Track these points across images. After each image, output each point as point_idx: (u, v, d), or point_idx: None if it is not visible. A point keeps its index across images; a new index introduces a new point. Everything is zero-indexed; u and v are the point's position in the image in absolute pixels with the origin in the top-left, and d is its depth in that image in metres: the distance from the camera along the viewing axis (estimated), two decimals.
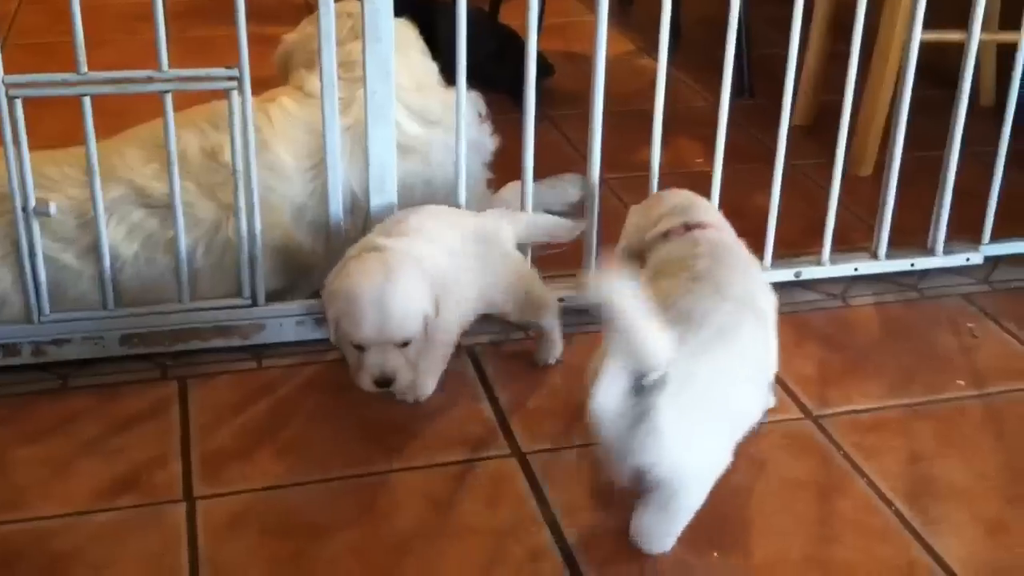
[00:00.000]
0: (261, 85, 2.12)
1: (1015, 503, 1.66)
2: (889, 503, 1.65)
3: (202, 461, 1.72)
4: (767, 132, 2.11)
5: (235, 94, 1.83)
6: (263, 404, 1.86)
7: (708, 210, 1.87)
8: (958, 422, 1.84)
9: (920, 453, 1.76)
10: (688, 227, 1.77)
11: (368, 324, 1.66)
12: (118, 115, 2.06)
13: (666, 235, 1.77)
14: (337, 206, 1.95)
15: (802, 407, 1.87)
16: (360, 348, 1.69)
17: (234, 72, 1.82)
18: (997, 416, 1.85)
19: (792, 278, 2.20)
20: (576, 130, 2.13)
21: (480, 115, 2.26)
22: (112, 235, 1.89)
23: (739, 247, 1.80)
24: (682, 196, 1.89)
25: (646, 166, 2.10)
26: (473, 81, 2.05)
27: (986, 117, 2.58)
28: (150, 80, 1.79)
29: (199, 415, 1.82)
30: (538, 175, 2.39)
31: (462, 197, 2.00)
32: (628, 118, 2.25)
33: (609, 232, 2.05)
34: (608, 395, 1.34)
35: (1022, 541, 1.59)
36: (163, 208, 1.91)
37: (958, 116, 2.15)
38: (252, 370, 1.95)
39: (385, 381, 1.69)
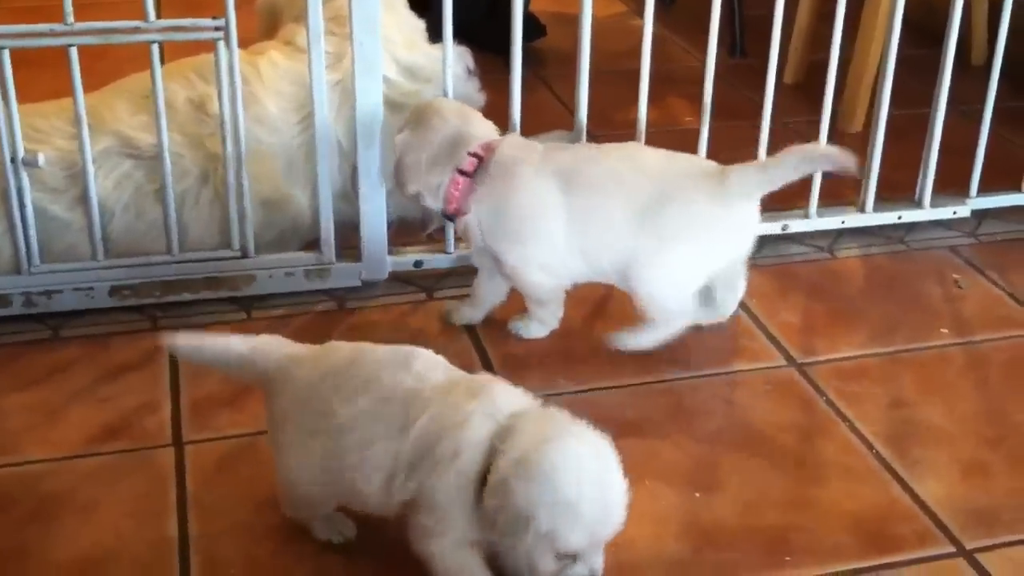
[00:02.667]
0: (249, 41, 2.14)
1: (994, 446, 1.68)
2: (870, 446, 1.67)
3: (191, 408, 1.74)
4: (759, 91, 2.12)
5: (221, 44, 1.84)
6: None
7: (479, 123, 1.86)
8: (940, 369, 1.85)
9: (902, 399, 1.78)
10: (479, 156, 1.80)
11: (601, 525, 1.27)
12: (107, 73, 2.07)
13: (465, 173, 1.79)
14: (325, 159, 1.96)
15: (786, 355, 1.89)
16: (565, 557, 1.27)
17: (221, 23, 1.83)
18: (979, 363, 1.87)
19: (779, 231, 2.22)
20: (567, 89, 2.14)
21: (469, 70, 2.26)
22: (101, 186, 1.91)
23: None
24: (449, 121, 1.82)
25: (634, 123, 2.11)
26: (463, 40, 2.06)
27: (977, 75, 2.58)
28: (136, 31, 1.80)
29: (188, 364, 1.84)
30: (528, 132, 2.41)
31: None
32: (619, 77, 2.26)
33: None
34: None
35: (1000, 482, 1.61)
36: (151, 159, 1.92)
37: (944, 69, 2.16)
38: (242, 321, 1.96)
39: None
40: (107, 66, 2.09)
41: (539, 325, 1.91)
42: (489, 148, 1.81)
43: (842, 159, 1.77)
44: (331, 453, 1.34)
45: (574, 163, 1.81)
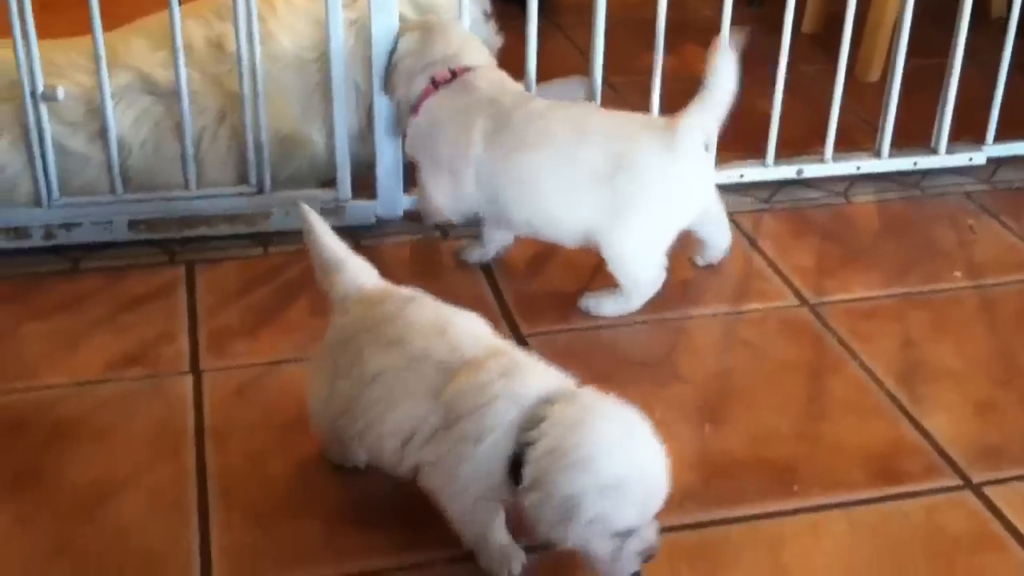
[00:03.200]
0: None
1: (1003, 385, 1.69)
2: (880, 383, 1.68)
3: (208, 338, 1.76)
4: (776, 40, 2.12)
5: None
6: (269, 287, 1.90)
7: (476, 52, 1.90)
8: (952, 311, 1.86)
9: (913, 339, 1.79)
10: (454, 72, 1.84)
11: (648, 500, 1.24)
12: (125, 16, 2.08)
13: (434, 83, 1.84)
14: (340, 97, 1.97)
15: (799, 295, 1.89)
16: (619, 535, 1.24)
17: None
18: (991, 306, 1.87)
19: (794, 176, 2.22)
20: (583, 37, 2.13)
21: (486, 13, 2.26)
22: (119, 122, 1.92)
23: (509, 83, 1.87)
24: (453, 40, 1.89)
25: (651, 70, 2.10)
26: None
27: (996, 28, 2.55)
28: None
29: (206, 297, 1.86)
30: (545, 78, 2.41)
31: None
32: (635, 25, 2.25)
33: None
34: None
35: (1009, 420, 1.62)
36: (169, 96, 1.93)
37: (962, 18, 2.15)
38: (258, 256, 1.98)
39: (653, 554, 1.27)
40: (125, 10, 2.11)
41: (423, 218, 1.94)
42: (465, 70, 1.85)
43: (736, 40, 1.79)
44: (354, 400, 1.34)
45: (513, 113, 1.79)
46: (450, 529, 1.33)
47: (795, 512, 1.45)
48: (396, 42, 1.92)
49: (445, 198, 1.85)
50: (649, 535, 1.24)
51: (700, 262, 1.94)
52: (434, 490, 1.30)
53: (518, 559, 1.32)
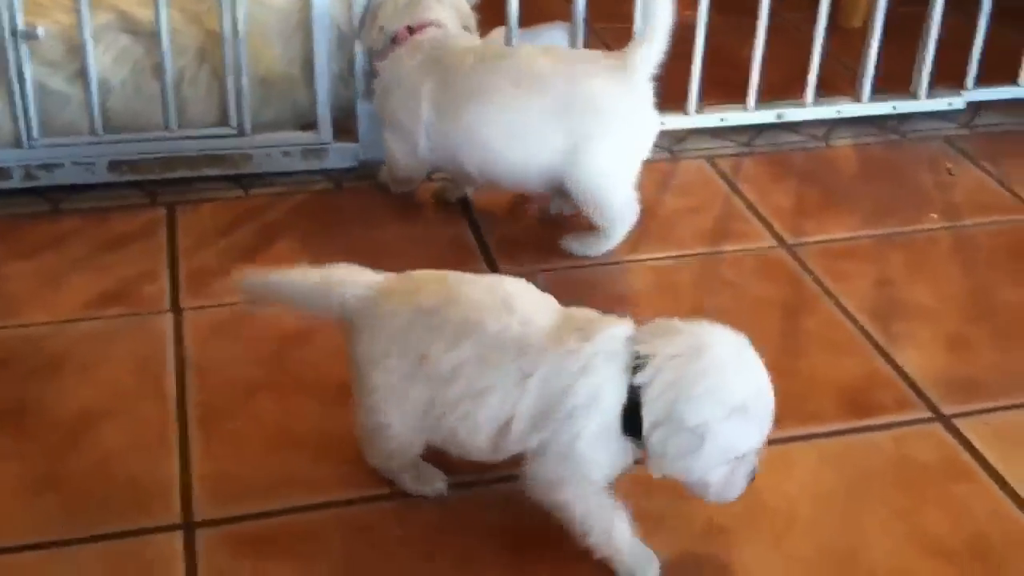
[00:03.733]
0: None
1: (976, 322, 1.71)
2: (854, 320, 1.70)
3: (189, 276, 1.77)
4: None
5: None
6: (249, 229, 1.90)
7: (437, 3, 1.89)
8: (928, 251, 1.88)
9: (889, 278, 1.81)
10: (411, 31, 1.85)
11: (768, 420, 1.24)
12: None
13: (394, 40, 1.86)
14: (322, 39, 1.97)
15: (776, 236, 1.91)
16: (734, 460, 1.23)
17: None
18: (967, 246, 1.89)
19: (775, 119, 2.23)
20: None
21: None
22: (100, 61, 1.92)
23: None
24: None
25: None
26: None
27: None
28: None
29: (187, 237, 1.87)
30: (531, 24, 2.41)
31: None
32: None
33: None
34: None
35: (980, 355, 1.64)
36: (150, 35, 1.93)
37: None
38: (239, 198, 1.99)
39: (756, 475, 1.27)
40: None
41: (389, 181, 1.96)
42: (422, 28, 1.85)
43: None
44: (432, 401, 1.25)
45: (457, 71, 1.79)
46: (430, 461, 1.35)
47: (768, 443, 1.47)
48: None
49: (404, 157, 1.87)
50: (755, 460, 1.23)
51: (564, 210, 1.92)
52: (550, 483, 1.23)
53: (655, 563, 1.27)
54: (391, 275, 1.34)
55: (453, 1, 1.95)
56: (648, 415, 1.17)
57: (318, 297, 1.33)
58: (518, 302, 1.26)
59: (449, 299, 1.26)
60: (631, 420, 1.19)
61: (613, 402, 1.19)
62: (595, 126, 1.73)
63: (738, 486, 1.23)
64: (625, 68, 1.74)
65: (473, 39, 1.93)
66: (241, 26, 1.91)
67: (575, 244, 1.84)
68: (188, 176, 1.99)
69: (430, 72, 1.81)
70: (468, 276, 1.32)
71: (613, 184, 1.78)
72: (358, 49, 1.98)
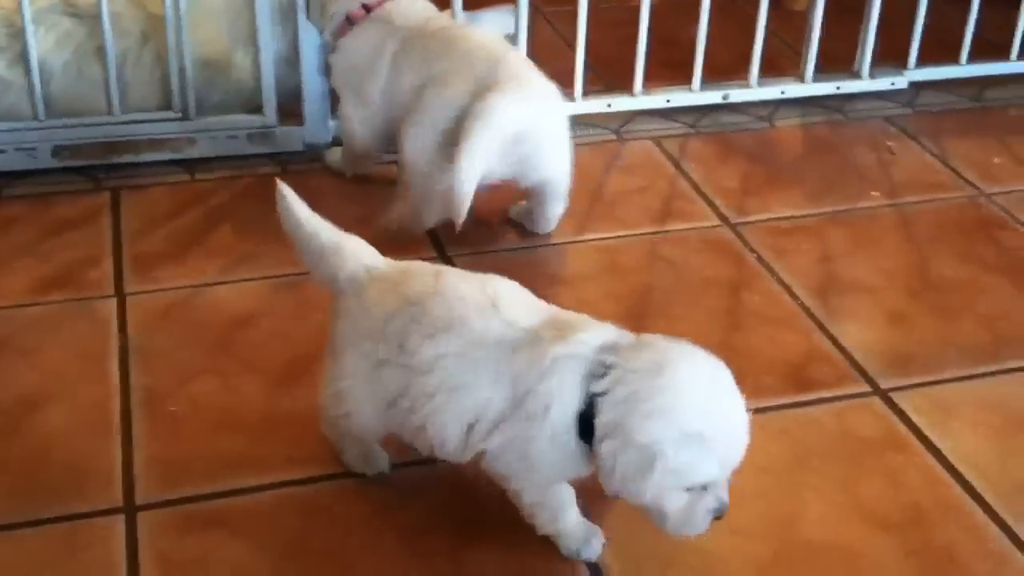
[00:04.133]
0: None
1: (915, 297, 1.74)
2: (796, 297, 1.73)
3: (133, 261, 1.76)
4: None
5: None
6: (195, 212, 1.90)
7: None
8: (869, 228, 1.90)
9: (830, 254, 1.83)
10: (367, 8, 1.85)
11: (731, 451, 1.17)
12: None
13: (349, 21, 1.86)
14: (265, 20, 1.96)
15: (721, 215, 1.93)
16: (693, 489, 1.17)
17: None
18: (906, 223, 1.92)
19: (720, 100, 2.24)
20: None
21: None
22: (41, 45, 1.90)
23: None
24: None
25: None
26: None
27: None
28: None
29: (131, 222, 1.86)
30: (476, 6, 2.41)
31: None
32: None
33: (538, 62, 2.07)
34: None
35: (918, 329, 1.67)
36: (92, 18, 1.91)
37: None
38: (184, 182, 1.98)
39: (724, 512, 1.20)
40: None
41: (342, 159, 1.97)
42: (380, 3, 1.86)
43: None
44: (404, 390, 1.24)
45: (413, 41, 1.81)
46: None
47: None
48: None
49: (360, 124, 1.88)
50: (723, 492, 1.17)
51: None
52: (504, 476, 1.23)
53: (598, 538, 1.28)
54: (390, 262, 1.32)
55: None
56: (600, 425, 1.15)
57: (317, 257, 1.31)
58: (505, 302, 1.24)
59: (436, 292, 1.24)
60: (586, 427, 1.17)
61: (569, 407, 1.17)
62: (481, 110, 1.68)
63: (699, 521, 1.17)
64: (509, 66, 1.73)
65: (432, 8, 1.92)
66: (183, 7, 1.89)
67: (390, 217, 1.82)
68: (133, 161, 1.98)
69: (393, 35, 1.83)
70: (462, 272, 1.31)
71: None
72: (309, 23, 1.97)
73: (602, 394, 1.15)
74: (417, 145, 1.76)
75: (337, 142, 2.04)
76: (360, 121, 1.88)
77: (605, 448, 1.14)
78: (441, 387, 1.21)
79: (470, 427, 1.22)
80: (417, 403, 1.23)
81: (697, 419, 1.12)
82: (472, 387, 1.20)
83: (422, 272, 1.29)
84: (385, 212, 1.83)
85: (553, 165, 1.78)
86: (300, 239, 1.33)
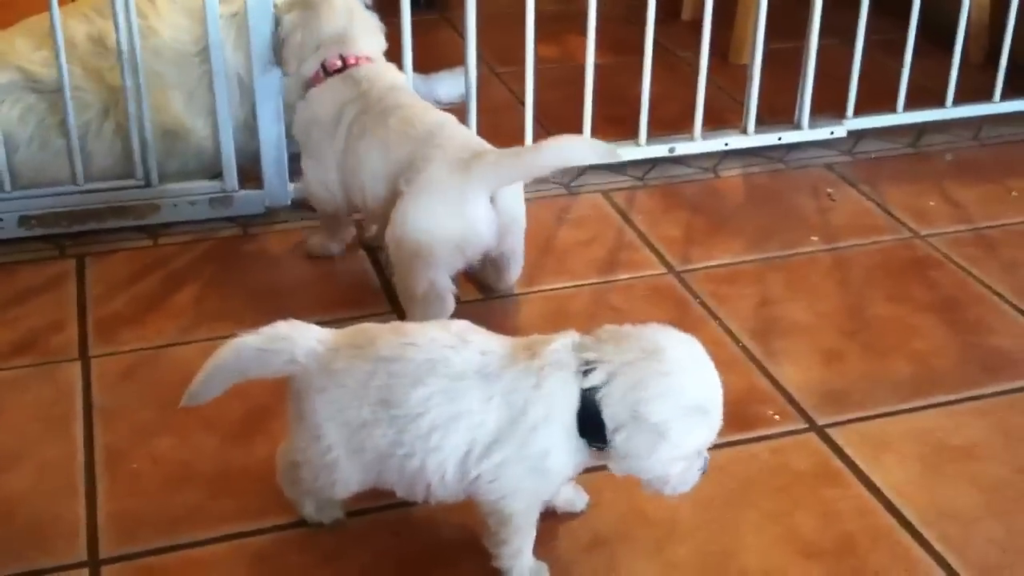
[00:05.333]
0: None
1: (850, 336, 1.81)
2: (736, 340, 1.80)
3: (97, 325, 1.82)
4: (658, 29, 2.23)
5: None
6: (157, 276, 1.96)
7: (367, 34, 1.93)
8: (807, 272, 1.98)
9: (769, 298, 1.91)
10: (345, 62, 1.88)
11: (720, 414, 1.29)
12: (14, 22, 2.14)
13: (325, 70, 1.88)
14: (222, 90, 2.03)
15: (666, 264, 2.00)
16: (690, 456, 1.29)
17: None
18: (843, 266, 2.00)
19: (667, 153, 2.33)
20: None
21: (367, 5, 2.34)
22: (5, 119, 1.97)
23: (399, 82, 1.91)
24: (340, 14, 1.90)
25: (539, 60, 2.21)
26: None
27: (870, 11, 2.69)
28: None
29: (95, 287, 1.92)
30: (433, 69, 2.50)
31: None
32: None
33: (491, 121, 2.16)
34: None
35: (852, 367, 1.74)
36: (53, 92, 1.99)
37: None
38: (148, 247, 2.04)
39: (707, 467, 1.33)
40: (14, 15, 2.16)
41: (322, 241, 1.99)
42: (357, 62, 1.89)
43: (603, 151, 1.75)
44: (397, 441, 1.27)
45: (373, 107, 1.83)
46: None
47: None
48: (279, 16, 1.96)
49: (318, 188, 1.91)
50: (706, 452, 1.30)
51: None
52: (512, 492, 1.27)
53: (545, 571, 1.35)
54: (338, 330, 1.34)
55: (374, 26, 1.98)
56: (611, 419, 1.23)
57: (264, 360, 1.31)
58: (473, 336, 1.31)
59: (407, 343, 1.29)
60: (586, 424, 1.25)
61: (569, 409, 1.25)
62: (411, 193, 1.71)
63: (693, 479, 1.29)
64: (467, 170, 1.69)
65: (399, 76, 1.96)
66: (142, 79, 1.97)
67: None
68: (96, 228, 2.04)
69: (355, 101, 1.85)
70: (417, 324, 1.36)
71: (417, 256, 1.72)
72: (266, 89, 2.02)
73: (597, 389, 1.24)
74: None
75: (301, 207, 2.11)
76: (317, 182, 1.91)
77: (620, 438, 1.23)
78: (435, 425, 1.26)
79: (466, 454, 1.27)
80: (414, 447, 1.27)
81: (696, 393, 1.25)
82: (463, 415, 1.26)
83: (380, 331, 1.33)
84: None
85: (521, 230, 1.84)
86: (240, 372, 1.33)
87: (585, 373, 1.25)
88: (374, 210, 1.83)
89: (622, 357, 1.25)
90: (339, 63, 1.89)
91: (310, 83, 1.91)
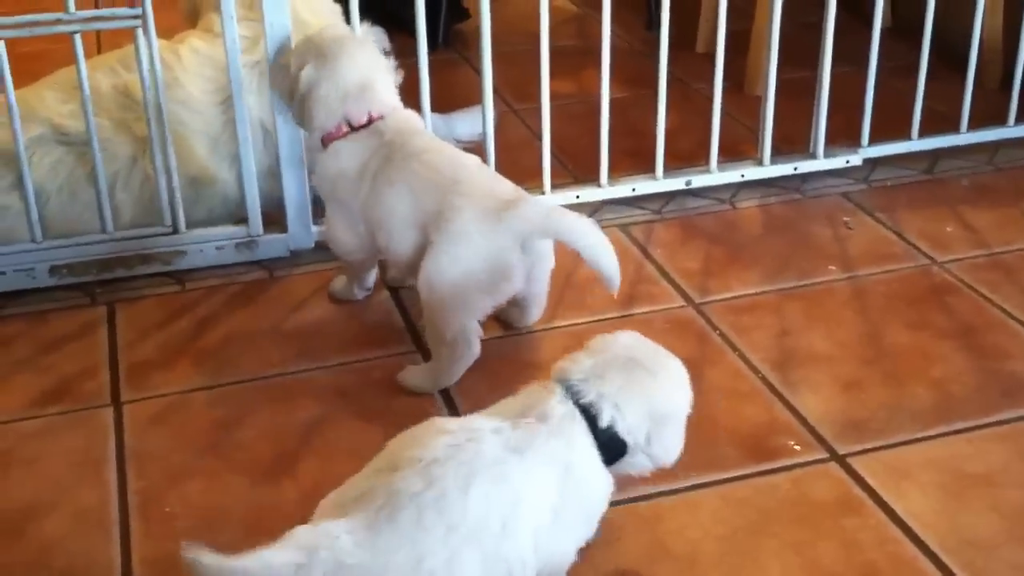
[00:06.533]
0: (174, 32, 2.26)
1: (870, 365, 1.82)
2: (756, 371, 1.82)
3: (128, 371, 1.86)
4: (673, 61, 2.27)
5: (140, 32, 1.96)
6: (185, 321, 2.00)
7: (388, 83, 1.93)
8: (825, 301, 2.00)
9: (788, 329, 1.93)
10: (371, 117, 1.87)
11: None
12: (45, 72, 2.20)
13: (350, 126, 1.86)
14: (246, 138, 2.08)
15: (685, 296, 2.03)
16: None
17: (138, 11, 1.95)
18: (861, 294, 2.02)
19: (683, 186, 2.36)
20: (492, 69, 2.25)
21: (384, 50, 2.38)
22: (36, 171, 2.03)
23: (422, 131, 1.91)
24: (360, 64, 1.89)
25: (555, 96, 2.25)
26: (382, 21, 2.19)
27: (883, 37, 2.71)
28: (58, 22, 1.92)
29: (126, 333, 1.96)
30: (452, 108, 2.54)
31: None
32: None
33: (510, 158, 2.20)
34: None
35: (872, 396, 1.76)
36: (82, 144, 2.04)
37: (828, 23, 2.30)
38: (176, 292, 2.08)
39: None
40: (45, 66, 2.23)
41: (346, 286, 2.01)
42: (382, 116, 1.88)
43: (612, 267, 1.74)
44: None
45: (395, 154, 1.82)
46: None
47: (673, 492, 1.57)
48: (295, 72, 1.91)
49: (346, 238, 1.91)
50: None
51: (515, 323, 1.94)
52: (564, 553, 1.33)
53: None
54: (358, 512, 1.22)
55: (391, 71, 1.99)
56: (630, 434, 1.34)
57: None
58: (472, 425, 1.30)
59: (426, 483, 1.22)
60: (612, 454, 1.34)
61: (594, 451, 1.33)
62: (442, 242, 1.72)
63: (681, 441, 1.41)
64: (502, 215, 1.71)
65: (420, 121, 1.96)
66: (167, 130, 2.02)
67: (410, 375, 1.80)
68: (126, 275, 2.09)
69: (378, 152, 1.84)
70: (407, 458, 1.26)
71: (447, 303, 1.73)
72: (287, 135, 2.06)
73: (592, 406, 1.33)
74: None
75: (324, 249, 2.15)
76: (345, 233, 1.91)
77: (647, 441, 1.35)
78: (502, 516, 1.24)
79: (536, 530, 1.26)
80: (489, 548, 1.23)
81: (675, 371, 1.41)
82: (522, 496, 1.26)
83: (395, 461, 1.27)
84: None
85: (548, 271, 1.88)
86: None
87: (591, 415, 1.33)
88: (401, 257, 1.84)
89: (613, 385, 1.34)
90: (365, 119, 1.87)
91: (331, 135, 1.88)
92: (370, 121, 1.88)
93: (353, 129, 1.88)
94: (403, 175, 1.81)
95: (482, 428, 1.30)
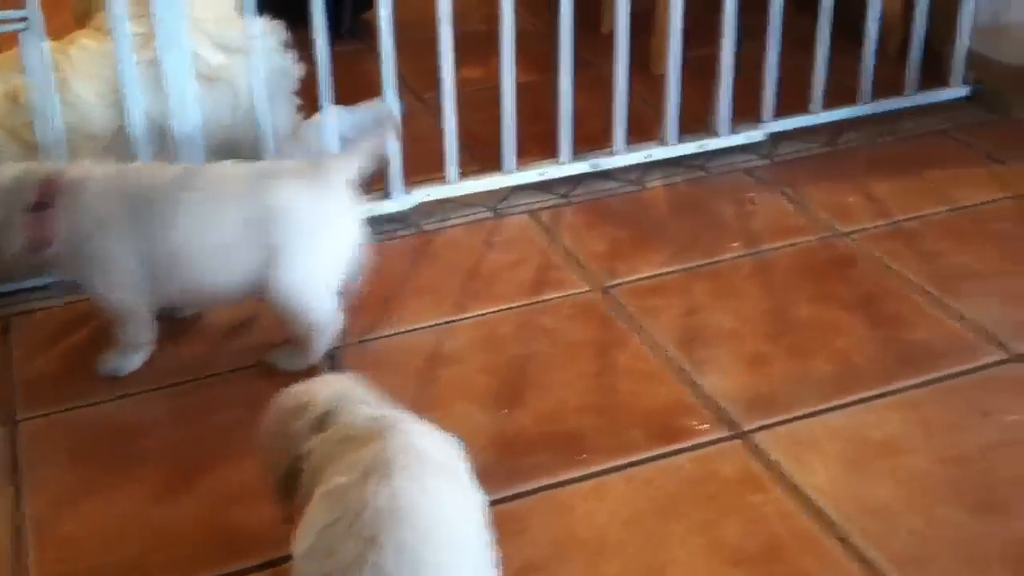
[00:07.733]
0: (63, 34, 2.20)
1: (774, 340, 1.84)
2: (662, 352, 1.82)
3: (23, 388, 1.81)
4: (578, 42, 2.26)
5: (26, 35, 1.90)
6: (80, 334, 1.95)
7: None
8: (730, 278, 2.01)
9: (694, 307, 1.93)
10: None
11: None
12: None
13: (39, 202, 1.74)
14: (140, 139, 2.03)
15: (592, 280, 2.02)
16: None
17: (24, 13, 1.89)
18: (766, 269, 2.03)
19: (590, 169, 2.35)
20: (401, 59, 2.21)
21: (284, 43, 2.34)
22: None
23: None
24: None
25: (465, 83, 2.24)
26: (283, 14, 2.15)
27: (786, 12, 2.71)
28: None
29: (18, 348, 1.91)
30: (356, 100, 2.50)
31: (267, 123, 2.10)
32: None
33: (418, 149, 2.17)
34: None
35: (777, 370, 1.77)
36: None
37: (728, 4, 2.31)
38: (70, 303, 2.03)
39: None
40: None
41: (127, 353, 1.83)
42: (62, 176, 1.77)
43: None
44: None
45: (152, 196, 1.74)
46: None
47: (581, 479, 1.57)
48: None
49: (118, 290, 1.78)
50: None
51: None
52: None
53: None
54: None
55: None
56: None
57: None
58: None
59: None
60: None
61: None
62: (287, 237, 1.70)
63: None
64: (323, 172, 1.73)
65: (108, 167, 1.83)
66: (59, 135, 1.97)
67: (280, 358, 1.80)
68: (15, 288, 2.03)
69: (117, 201, 1.74)
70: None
71: (311, 296, 1.74)
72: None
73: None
74: None
75: None
76: (115, 288, 1.78)
77: None
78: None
79: None
80: None
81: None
82: None
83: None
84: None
85: None
86: None
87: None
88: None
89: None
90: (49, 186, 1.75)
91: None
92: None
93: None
94: None
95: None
